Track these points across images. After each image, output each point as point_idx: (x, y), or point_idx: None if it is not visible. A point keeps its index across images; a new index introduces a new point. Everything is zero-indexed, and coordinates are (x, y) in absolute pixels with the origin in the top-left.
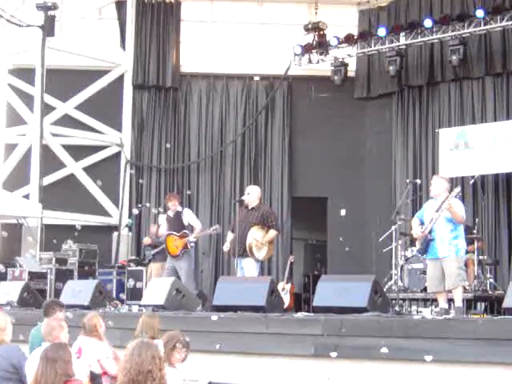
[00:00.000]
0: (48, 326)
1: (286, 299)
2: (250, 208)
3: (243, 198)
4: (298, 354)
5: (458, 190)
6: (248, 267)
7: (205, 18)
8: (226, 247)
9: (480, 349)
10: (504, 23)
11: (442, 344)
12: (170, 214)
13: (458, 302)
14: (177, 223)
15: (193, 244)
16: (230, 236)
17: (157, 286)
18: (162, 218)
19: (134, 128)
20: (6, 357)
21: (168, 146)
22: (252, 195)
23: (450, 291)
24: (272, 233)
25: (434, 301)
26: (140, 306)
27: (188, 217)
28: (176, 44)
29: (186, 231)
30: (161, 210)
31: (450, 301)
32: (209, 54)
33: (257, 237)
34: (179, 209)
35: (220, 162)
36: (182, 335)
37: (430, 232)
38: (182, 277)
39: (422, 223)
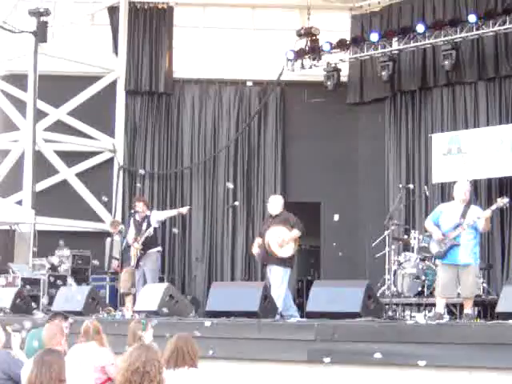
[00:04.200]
0: (49, 331)
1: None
2: (273, 216)
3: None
4: (292, 359)
5: (506, 200)
6: (274, 274)
7: (197, 23)
8: (256, 251)
9: (473, 353)
10: (496, 28)
11: (435, 349)
12: (138, 217)
13: (469, 310)
14: (143, 228)
15: (159, 249)
16: (258, 241)
17: (150, 292)
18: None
19: (127, 134)
20: None
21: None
22: (272, 204)
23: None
24: (295, 232)
25: (428, 306)
26: (133, 312)
27: (156, 216)
28: (169, 49)
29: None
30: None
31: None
32: (201, 60)
33: (277, 233)
34: (147, 213)
35: (213, 167)
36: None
37: (454, 237)
38: (147, 280)
39: (437, 226)
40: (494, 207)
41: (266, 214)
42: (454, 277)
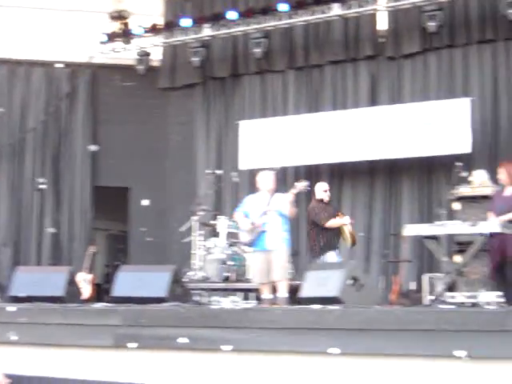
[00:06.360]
0: None
1: (87, 290)
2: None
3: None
4: (98, 345)
5: (305, 183)
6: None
7: (4, 2)
8: None
9: (277, 338)
10: (307, 17)
11: (240, 334)
12: None
13: (284, 293)
14: None
15: None
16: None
17: None
18: None
19: None
20: None
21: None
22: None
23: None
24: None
25: (234, 291)
26: None
27: None
28: None
29: None
30: None
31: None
32: (10, 40)
33: None
34: None
35: (20, 150)
36: None
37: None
38: None
39: (246, 216)
40: (294, 191)
41: (318, 203)
42: (265, 263)
